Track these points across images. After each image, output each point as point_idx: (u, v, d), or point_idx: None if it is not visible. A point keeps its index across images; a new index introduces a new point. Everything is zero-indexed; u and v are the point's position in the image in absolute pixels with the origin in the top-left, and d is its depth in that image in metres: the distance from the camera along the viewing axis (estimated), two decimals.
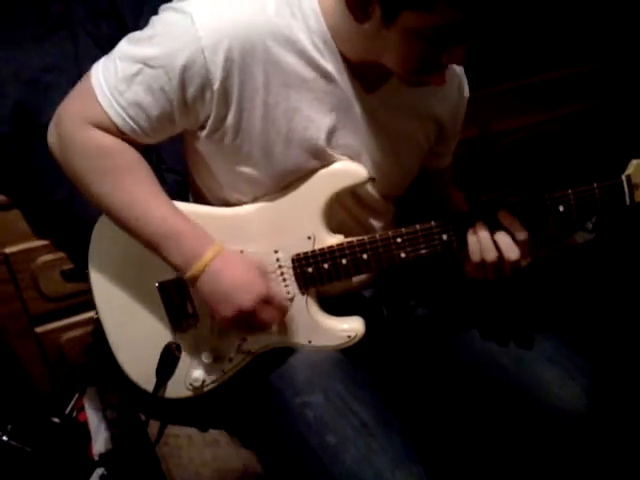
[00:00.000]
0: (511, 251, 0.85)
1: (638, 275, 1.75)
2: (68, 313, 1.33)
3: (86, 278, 1.01)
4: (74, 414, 1.26)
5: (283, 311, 0.90)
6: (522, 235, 0.85)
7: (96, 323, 1.03)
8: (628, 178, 0.86)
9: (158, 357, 0.97)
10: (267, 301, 0.86)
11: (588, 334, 1.47)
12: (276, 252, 0.91)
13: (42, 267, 1.25)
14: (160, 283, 0.95)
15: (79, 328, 1.34)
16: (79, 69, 1.14)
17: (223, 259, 0.85)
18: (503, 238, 0.85)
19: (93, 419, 1.24)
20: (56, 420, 1.23)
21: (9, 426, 1.21)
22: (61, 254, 1.26)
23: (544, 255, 1.67)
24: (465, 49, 0.79)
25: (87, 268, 1.00)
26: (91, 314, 1.32)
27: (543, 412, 0.92)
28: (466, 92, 1.04)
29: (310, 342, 0.94)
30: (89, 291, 1.02)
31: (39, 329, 1.32)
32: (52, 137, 0.87)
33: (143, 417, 1.06)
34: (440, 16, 0.72)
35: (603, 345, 1.48)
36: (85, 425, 1.24)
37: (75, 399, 1.29)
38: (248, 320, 0.86)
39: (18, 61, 1.12)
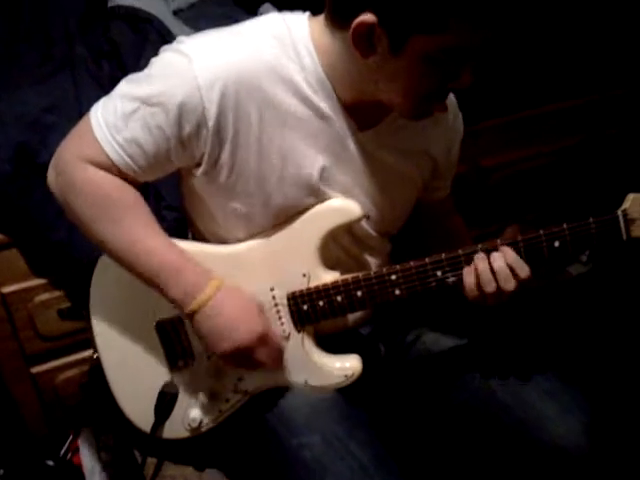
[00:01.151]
0: (508, 282, 0.85)
1: (633, 307, 1.75)
2: (64, 352, 1.32)
3: (83, 317, 1.02)
4: (69, 456, 1.24)
5: (280, 350, 0.90)
6: (518, 264, 0.86)
7: (94, 362, 1.02)
8: (624, 213, 0.85)
9: (156, 397, 0.96)
10: (264, 339, 0.87)
11: (585, 368, 1.47)
12: (272, 290, 0.92)
13: (39, 306, 1.25)
14: (158, 322, 0.95)
15: (74, 368, 1.34)
16: (80, 109, 1.17)
17: (223, 294, 0.86)
18: (500, 269, 0.85)
19: (88, 461, 1.21)
20: (50, 463, 1.21)
21: (1, 470, 1.19)
22: (58, 293, 1.26)
23: (538, 286, 1.68)
24: (472, 69, 0.81)
25: (84, 307, 1.00)
26: (87, 353, 1.32)
27: (543, 448, 0.91)
28: (460, 127, 1.05)
29: (306, 381, 0.93)
30: (85, 330, 1.02)
31: (34, 369, 1.31)
32: (51, 176, 0.89)
33: (139, 456, 1.05)
34: (451, 36, 0.74)
35: (600, 378, 1.48)
36: (80, 468, 1.21)
37: (70, 440, 1.27)
38: (245, 357, 0.87)
39: (21, 103, 1.15)
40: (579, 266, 1.88)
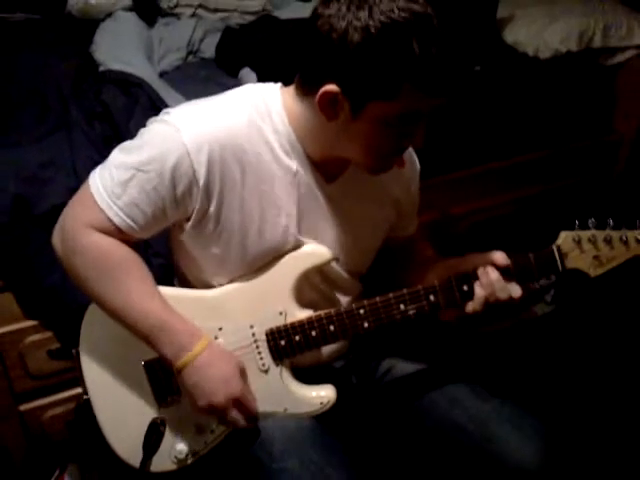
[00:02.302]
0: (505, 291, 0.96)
1: (593, 345, 1.86)
2: (51, 391, 1.38)
3: (71, 357, 1.07)
4: None
5: (251, 413, 0.97)
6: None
7: (84, 403, 1.06)
8: (558, 248, 0.97)
9: (144, 432, 1.01)
10: (239, 403, 0.95)
11: (544, 397, 1.55)
12: (252, 327, 1.00)
13: (30, 346, 1.31)
14: (146, 362, 1.01)
15: (61, 406, 1.39)
16: (74, 165, 1.26)
17: (208, 354, 0.94)
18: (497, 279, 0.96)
19: None
20: None
21: None
22: (48, 334, 1.33)
23: (506, 326, 1.78)
24: (422, 129, 0.92)
25: (73, 347, 1.05)
26: (73, 392, 1.37)
27: (504, 471, 0.99)
28: (416, 165, 1.15)
29: (285, 410, 1.01)
30: (73, 369, 1.07)
31: (23, 407, 1.36)
32: (56, 240, 0.97)
33: None
34: (403, 103, 0.86)
35: (558, 407, 1.57)
36: None
37: (56, 476, 1.31)
38: (218, 414, 0.96)
39: (19, 159, 1.24)
40: (543, 306, 1.98)
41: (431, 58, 0.83)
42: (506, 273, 0.97)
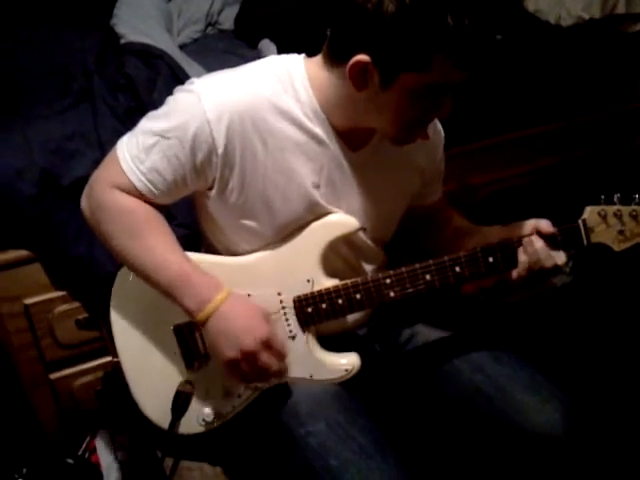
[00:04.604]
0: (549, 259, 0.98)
1: (610, 313, 1.87)
2: (80, 360, 1.41)
3: (99, 326, 1.10)
4: (87, 455, 1.32)
5: (284, 356, 0.97)
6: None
7: (114, 367, 1.10)
8: (584, 222, 0.99)
9: (173, 395, 1.04)
10: (269, 344, 0.95)
11: (564, 365, 1.57)
12: (279, 294, 1.02)
13: (59, 316, 1.35)
14: (175, 326, 1.04)
15: (90, 374, 1.43)
16: (98, 137, 1.28)
17: (230, 303, 0.95)
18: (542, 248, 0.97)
19: (105, 460, 1.30)
20: (70, 461, 1.29)
21: (24, 469, 1.27)
22: (76, 304, 1.36)
23: (526, 297, 1.79)
24: (449, 102, 0.92)
25: (101, 317, 1.09)
26: (102, 361, 1.40)
27: (525, 437, 1.00)
28: (442, 134, 1.15)
29: (311, 376, 1.03)
30: (101, 339, 1.10)
31: (53, 375, 1.40)
32: (84, 201, 1.01)
33: (159, 454, 1.12)
34: (434, 74, 0.86)
35: (578, 372, 1.59)
36: (97, 466, 1.30)
37: (87, 441, 1.35)
38: (250, 364, 0.94)
39: (45, 132, 1.26)
40: (563, 277, 1.99)
41: (464, 29, 0.82)
42: (551, 241, 0.98)
